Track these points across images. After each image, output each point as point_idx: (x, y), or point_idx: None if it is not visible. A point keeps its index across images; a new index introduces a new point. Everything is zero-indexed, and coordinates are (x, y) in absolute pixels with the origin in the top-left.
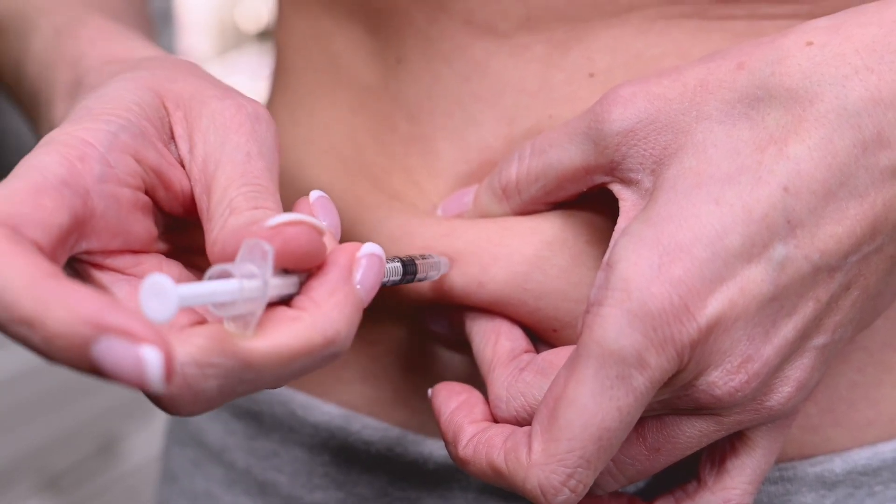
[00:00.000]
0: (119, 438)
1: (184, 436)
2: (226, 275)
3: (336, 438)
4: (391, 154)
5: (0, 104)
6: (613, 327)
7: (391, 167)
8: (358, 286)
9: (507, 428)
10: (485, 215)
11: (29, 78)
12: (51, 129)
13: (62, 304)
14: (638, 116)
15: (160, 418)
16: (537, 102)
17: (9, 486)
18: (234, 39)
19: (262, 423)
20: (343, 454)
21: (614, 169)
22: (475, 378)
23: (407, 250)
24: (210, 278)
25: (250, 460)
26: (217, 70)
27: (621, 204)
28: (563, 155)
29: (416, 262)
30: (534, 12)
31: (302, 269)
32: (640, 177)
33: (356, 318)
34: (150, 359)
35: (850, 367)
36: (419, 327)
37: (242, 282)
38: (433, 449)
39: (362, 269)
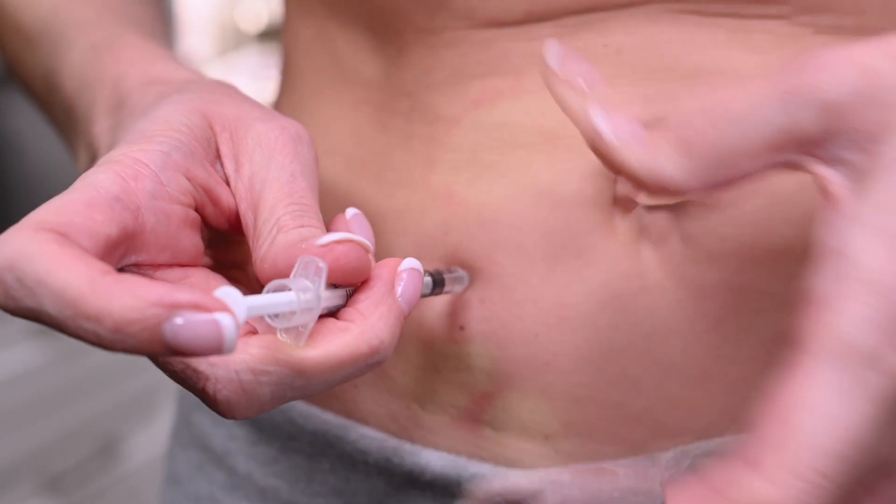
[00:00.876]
0: (120, 439)
1: (187, 439)
2: (283, 289)
3: (334, 447)
4: (391, 136)
5: (0, 106)
6: (856, 323)
7: (392, 147)
8: (400, 299)
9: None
10: (659, 177)
11: (64, 92)
12: (89, 143)
13: (127, 293)
14: (850, 87)
15: (161, 419)
16: None
17: (10, 487)
18: (234, 40)
19: (263, 429)
20: (341, 462)
21: (818, 146)
22: (474, 385)
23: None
24: (269, 292)
25: (251, 466)
26: (218, 71)
27: (830, 188)
28: (748, 126)
29: (444, 276)
30: (536, 7)
31: (348, 284)
32: (851, 156)
33: (398, 328)
34: (227, 323)
35: None
36: (420, 340)
37: (299, 295)
38: (430, 459)
39: (403, 282)
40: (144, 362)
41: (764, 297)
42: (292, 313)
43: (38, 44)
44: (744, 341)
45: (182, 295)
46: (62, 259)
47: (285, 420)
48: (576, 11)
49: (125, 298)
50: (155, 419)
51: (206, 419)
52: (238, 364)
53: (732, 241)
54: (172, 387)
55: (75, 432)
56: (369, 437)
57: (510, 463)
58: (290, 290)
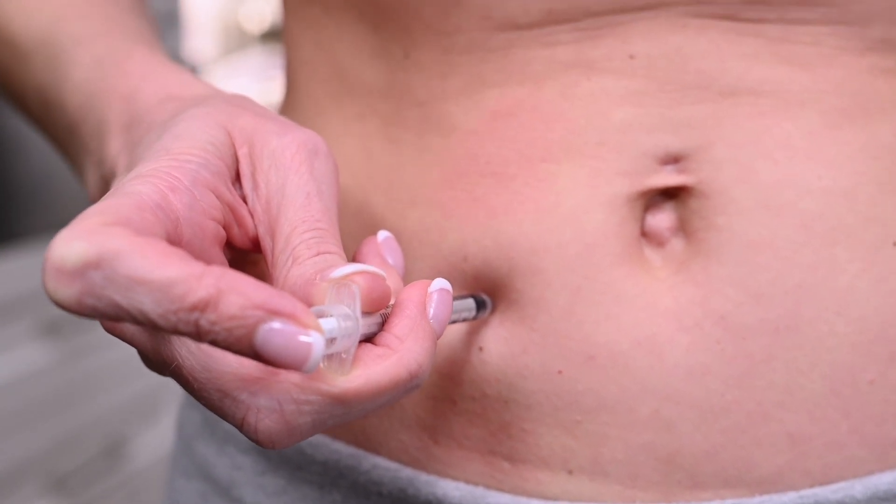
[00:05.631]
0: (125, 440)
1: (190, 469)
2: (322, 315)
3: (346, 478)
4: (402, 149)
5: (3, 105)
6: None
7: (402, 162)
8: (432, 320)
9: None
10: None
11: (67, 107)
12: (100, 161)
13: (234, 291)
14: None
15: (166, 420)
16: (574, 70)
17: (16, 488)
18: (238, 41)
19: (270, 459)
20: (354, 493)
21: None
22: (491, 416)
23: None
24: None
25: (258, 496)
26: (222, 71)
27: None
28: None
29: (485, 299)
30: (556, 6)
31: (370, 312)
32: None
33: (433, 350)
34: (317, 343)
35: (887, 386)
36: (436, 368)
37: (340, 321)
38: (447, 490)
39: (434, 304)
40: None
41: (826, 337)
42: (333, 340)
43: (33, 57)
44: (800, 385)
45: (284, 302)
46: (158, 255)
47: (294, 450)
48: (597, 13)
49: (232, 296)
50: (160, 420)
51: (209, 449)
52: (280, 393)
53: (780, 278)
54: (177, 388)
55: (81, 433)
56: (382, 466)
57: (531, 494)
58: (330, 316)
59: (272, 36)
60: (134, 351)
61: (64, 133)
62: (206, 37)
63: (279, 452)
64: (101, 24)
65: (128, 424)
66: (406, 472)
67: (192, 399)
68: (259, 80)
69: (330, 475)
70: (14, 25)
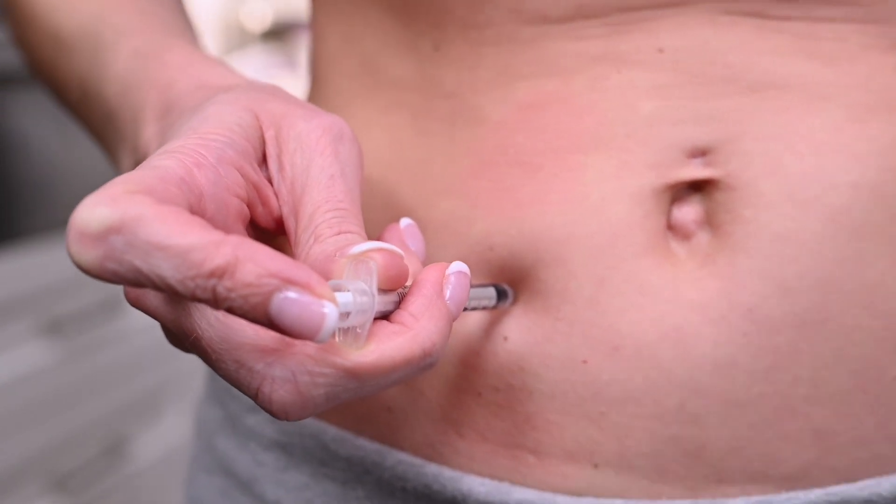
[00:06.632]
0: (126, 439)
1: (212, 465)
2: (339, 289)
3: (370, 474)
4: (431, 140)
5: (4, 105)
6: None
7: (432, 153)
8: (448, 302)
9: None
10: None
11: (106, 97)
12: (135, 148)
13: (251, 260)
14: None
15: (166, 420)
16: (603, 64)
17: (16, 488)
18: (239, 39)
19: (293, 455)
20: (378, 489)
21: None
22: (516, 407)
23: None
24: None
25: (280, 492)
26: None
27: None
28: None
29: (507, 289)
30: (586, 1)
31: (387, 290)
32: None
33: (448, 331)
34: (331, 314)
35: None
36: (460, 358)
37: (356, 296)
38: (472, 485)
39: (451, 285)
40: (151, 362)
41: (853, 331)
42: (347, 314)
43: (76, 49)
44: (827, 379)
45: (300, 272)
46: (179, 222)
47: (317, 445)
48: (626, 8)
49: (248, 264)
50: (162, 419)
51: (230, 444)
52: (295, 365)
53: (807, 271)
54: (179, 387)
55: (82, 432)
56: (406, 462)
57: (556, 489)
58: (346, 290)
59: (273, 35)
60: (134, 351)
61: (101, 122)
62: (207, 35)
63: (303, 448)
64: (141, 18)
65: (128, 424)
66: (431, 468)
67: (211, 395)
68: (260, 79)
69: (354, 471)
70: (59, 18)
